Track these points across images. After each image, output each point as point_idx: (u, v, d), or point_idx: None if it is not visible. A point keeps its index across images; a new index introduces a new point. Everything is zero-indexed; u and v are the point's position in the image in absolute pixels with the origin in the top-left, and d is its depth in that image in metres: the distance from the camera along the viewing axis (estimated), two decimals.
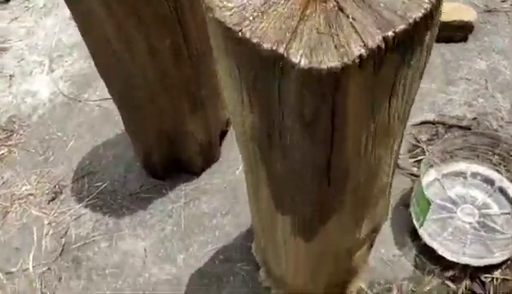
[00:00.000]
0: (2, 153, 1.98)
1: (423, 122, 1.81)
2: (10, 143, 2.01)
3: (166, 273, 1.59)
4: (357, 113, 0.65)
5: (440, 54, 2.02)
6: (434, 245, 1.47)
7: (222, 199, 1.73)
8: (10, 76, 2.26)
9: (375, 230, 1.13)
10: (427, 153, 1.65)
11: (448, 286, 1.45)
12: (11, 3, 2.58)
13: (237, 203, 1.71)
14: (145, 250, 1.65)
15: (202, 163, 1.75)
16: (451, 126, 1.79)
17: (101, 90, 2.13)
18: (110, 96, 1.57)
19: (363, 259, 1.30)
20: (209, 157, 1.75)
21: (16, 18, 2.51)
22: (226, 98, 0.80)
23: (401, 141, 0.89)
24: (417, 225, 1.47)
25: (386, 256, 1.54)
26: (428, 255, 1.51)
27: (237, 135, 0.86)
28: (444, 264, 1.48)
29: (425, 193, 1.35)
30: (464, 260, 1.44)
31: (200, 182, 1.78)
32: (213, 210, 1.71)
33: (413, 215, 1.50)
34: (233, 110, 0.78)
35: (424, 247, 1.51)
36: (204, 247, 1.63)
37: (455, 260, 1.45)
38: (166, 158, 1.71)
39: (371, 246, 1.34)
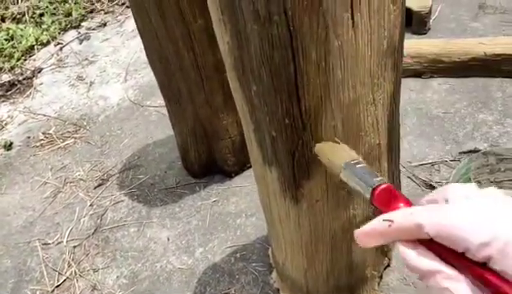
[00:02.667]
0: (68, 143, 2.20)
1: (472, 151, 1.68)
2: (76, 136, 2.23)
3: (182, 262, 1.60)
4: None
5: (502, 88, 1.90)
6: None
7: (249, 202, 1.73)
8: (90, 83, 2.54)
9: None
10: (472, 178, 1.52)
11: None
12: (106, 28, 2.95)
13: None
14: (168, 239, 1.68)
15: (235, 164, 1.78)
16: (503, 158, 1.64)
17: (162, 98, 2.30)
18: None
19: (372, 262, 1.20)
20: (242, 158, 1.78)
21: (107, 39, 2.86)
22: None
23: (396, 91, 0.86)
24: None
25: (411, 277, 1.40)
26: None
27: (228, 72, 0.89)
28: None
29: None
30: None
31: (232, 184, 1.81)
32: (240, 211, 1.71)
33: None
34: (220, 37, 0.83)
35: None
36: (223, 244, 1.62)
37: None
38: (202, 155, 1.77)
39: (384, 250, 1.24)
